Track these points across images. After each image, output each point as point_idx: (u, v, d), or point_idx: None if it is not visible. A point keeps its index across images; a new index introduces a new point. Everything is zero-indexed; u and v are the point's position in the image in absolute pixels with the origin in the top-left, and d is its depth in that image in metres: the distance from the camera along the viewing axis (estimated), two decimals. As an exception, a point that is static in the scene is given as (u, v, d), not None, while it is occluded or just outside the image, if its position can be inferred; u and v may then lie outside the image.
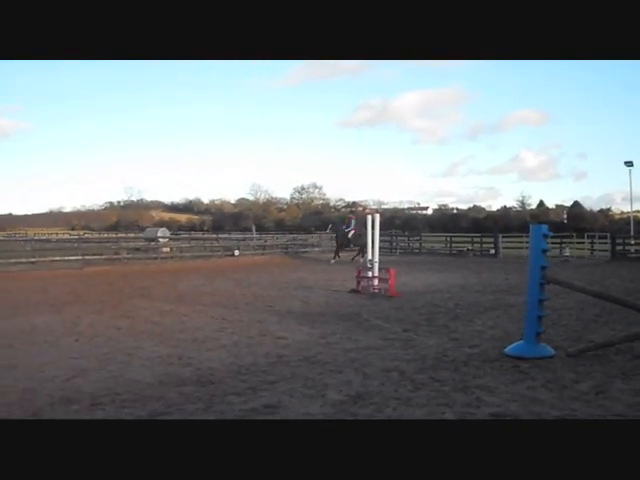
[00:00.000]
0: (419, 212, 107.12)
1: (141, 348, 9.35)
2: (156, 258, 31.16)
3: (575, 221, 74.76)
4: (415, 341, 9.80)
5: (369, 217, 18.70)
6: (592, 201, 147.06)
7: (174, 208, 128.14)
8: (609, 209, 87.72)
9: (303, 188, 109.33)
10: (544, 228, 8.71)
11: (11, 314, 13.09)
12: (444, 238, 45.05)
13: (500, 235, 37.90)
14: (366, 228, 19.23)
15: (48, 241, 39.11)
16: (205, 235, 60.22)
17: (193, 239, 46.37)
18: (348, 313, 13.13)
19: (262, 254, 35.84)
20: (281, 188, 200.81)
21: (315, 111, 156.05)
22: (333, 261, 29.42)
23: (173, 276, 23.30)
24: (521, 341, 8.65)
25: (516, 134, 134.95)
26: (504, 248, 36.58)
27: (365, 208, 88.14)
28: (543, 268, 8.54)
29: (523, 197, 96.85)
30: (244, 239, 42.85)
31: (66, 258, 27.29)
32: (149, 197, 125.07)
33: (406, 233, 54.42)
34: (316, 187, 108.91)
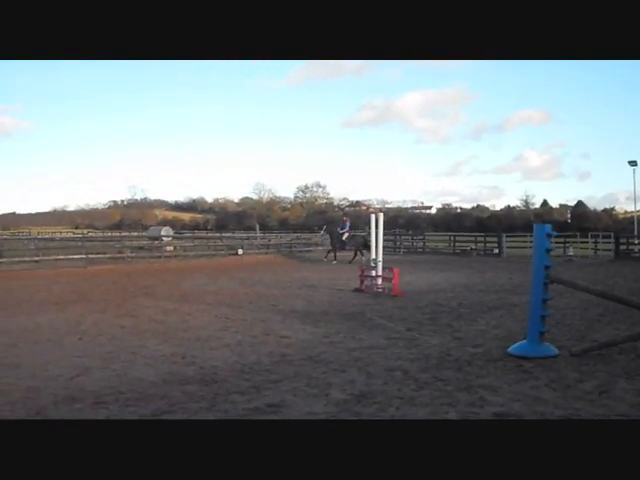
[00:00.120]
0: (423, 211, 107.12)
1: (145, 347, 9.36)
2: (160, 257, 31.20)
3: (579, 220, 74.67)
4: (419, 340, 9.80)
5: (372, 216, 18.69)
6: (596, 200, 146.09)
7: (178, 207, 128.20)
8: (613, 209, 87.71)
9: (307, 187, 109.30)
10: (548, 227, 8.70)
11: (15, 313, 13.13)
12: (448, 237, 45.01)
13: (504, 234, 37.92)
14: (370, 228, 19.25)
15: (52, 240, 39.03)
16: (209, 234, 60.27)
17: (197, 238, 46.40)
18: (352, 312, 13.13)
19: (266, 253, 35.83)
20: (285, 187, 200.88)
21: (318, 111, 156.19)
22: (335, 262, 29.38)
23: (177, 275, 23.34)
24: (525, 341, 8.65)
25: (519, 134, 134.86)
26: (508, 247, 36.55)
27: (369, 207, 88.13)
28: (547, 267, 8.53)
29: (527, 196, 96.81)
30: (248, 238, 42.88)
31: (70, 257, 27.33)
32: (153, 196, 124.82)
33: (410, 232, 54.50)
34: (320, 186, 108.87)
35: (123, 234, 61.53)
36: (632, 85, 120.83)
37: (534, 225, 8.96)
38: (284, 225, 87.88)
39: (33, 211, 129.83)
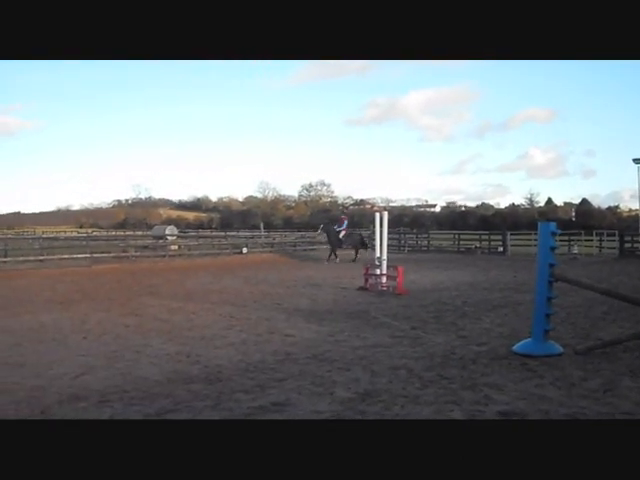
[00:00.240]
0: (427, 210, 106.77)
1: (149, 346, 9.37)
2: (164, 256, 31.22)
3: (583, 218, 74.45)
4: (423, 339, 9.80)
5: (377, 215, 18.67)
6: (600, 198, 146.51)
7: (182, 206, 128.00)
8: (617, 207, 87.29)
9: (311, 186, 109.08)
10: (552, 226, 8.69)
11: (19, 312, 13.14)
12: (452, 236, 44.94)
13: (508, 233, 37.87)
14: (374, 226, 19.25)
15: (56, 239, 39.02)
16: (213, 233, 60.25)
17: (201, 237, 46.30)
18: (356, 311, 13.14)
19: (270, 252, 35.81)
20: (289, 186, 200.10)
21: (322, 109, 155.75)
22: (337, 260, 29.35)
23: (181, 274, 23.35)
24: (529, 339, 8.65)
25: (524, 132, 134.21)
26: (512, 246, 36.51)
27: (373, 206, 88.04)
28: (551, 266, 8.53)
29: (531, 194, 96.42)
30: (252, 237, 42.80)
31: (74, 256, 27.35)
32: (157, 195, 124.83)
33: (414, 231, 54.40)
34: (324, 185, 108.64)
35: (127, 233, 61.65)
36: (636, 83, 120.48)
37: (538, 223, 8.96)
38: (288, 224, 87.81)
39: (37, 210, 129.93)
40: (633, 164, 44.09)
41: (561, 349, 8.46)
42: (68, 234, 59.42)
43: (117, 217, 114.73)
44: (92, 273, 23.79)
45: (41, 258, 26.57)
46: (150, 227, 71.17)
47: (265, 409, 6.06)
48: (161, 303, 14.47)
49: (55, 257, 27.12)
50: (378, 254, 17.81)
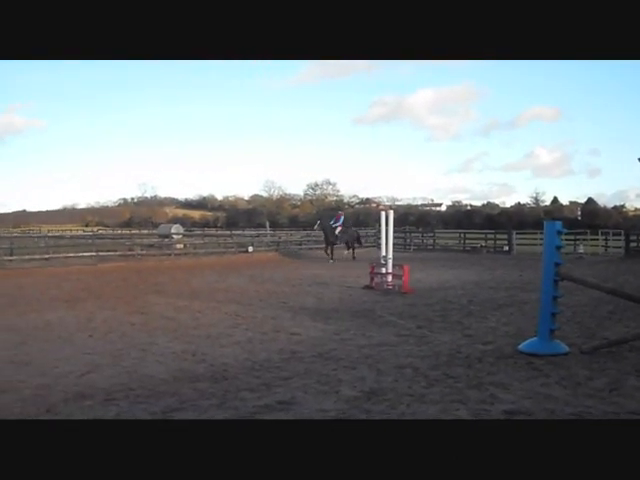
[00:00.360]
0: (433, 208, 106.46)
1: (155, 344, 9.39)
2: (170, 254, 31.22)
3: (589, 218, 74.28)
4: (429, 337, 9.80)
5: (383, 213, 18.65)
6: (606, 198, 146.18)
7: (188, 205, 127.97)
8: (623, 206, 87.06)
9: (317, 184, 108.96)
10: (558, 225, 8.68)
11: (25, 310, 13.17)
12: (458, 234, 44.89)
13: (514, 232, 37.78)
14: (380, 225, 19.25)
15: (62, 237, 39.10)
16: (219, 231, 60.32)
17: (207, 235, 46.31)
18: (362, 309, 13.15)
19: (276, 250, 35.78)
20: (295, 185, 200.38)
21: (328, 108, 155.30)
22: (331, 261, 29.33)
23: (187, 272, 23.35)
24: (535, 338, 8.64)
25: (530, 131, 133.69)
26: (518, 245, 36.43)
27: (379, 204, 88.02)
28: (557, 265, 8.52)
29: (537, 194, 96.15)
30: (258, 235, 42.78)
31: (80, 254, 27.37)
32: (163, 194, 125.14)
33: (420, 229, 54.42)
34: (330, 184, 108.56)
35: (133, 232, 61.58)
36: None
37: (544, 222, 8.96)
38: (294, 222, 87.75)
39: (43, 209, 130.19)
40: (639, 163, 44.04)
41: (567, 348, 8.45)
42: (74, 232, 59.56)
43: (123, 216, 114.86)
44: (98, 271, 23.81)
45: (47, 256, 26.56)
46: (156, 226, 71.17)
47: (271, 408, 6.07)
48: (167, 301, 14.49)
49: (61, 255, 27.13)
50: (384, 253, 17.79)
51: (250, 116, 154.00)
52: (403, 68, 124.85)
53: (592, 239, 36.83)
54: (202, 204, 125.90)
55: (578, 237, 36.29)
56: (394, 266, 17.46)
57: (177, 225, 58.21)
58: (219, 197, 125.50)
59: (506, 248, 36.32)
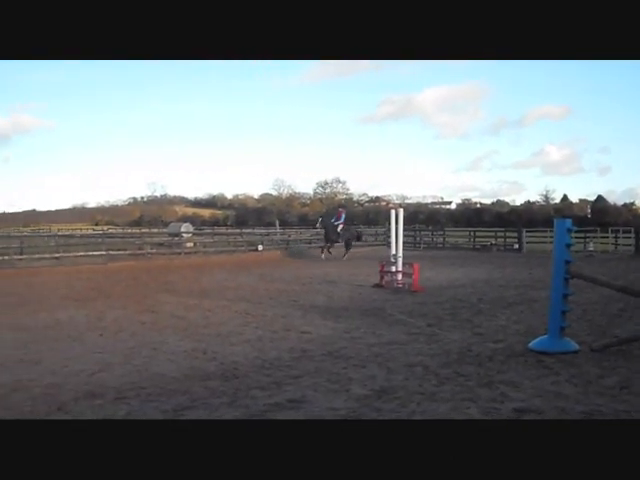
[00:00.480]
0: (442, 207, 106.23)
1: (166, 342, 9.41)
2: (180, 253, 31.31)
3: (599, 215, 73.87)
4: (439, 336, 9.79)
5: (392, 212, 18.64)
6: (616, 195, 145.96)
7: (197, 203, 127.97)
8: (633, 203, 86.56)
9: (326, 183, 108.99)
10: (568, 222, 8.66)
11: (35, 309, 13.23)
12: (468, 233, 44.91)
13: (524, 230, 37.72)
14: (390, 223, 19.22)
15: (72, 237, 39.14)
16: (229, 230, 60.26)
17: (217, 234, 46.24)
18: (372, 308, 13.15)
19: (285, 249, 35.75)
20: (304, 183, 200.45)
21: (337, 107, 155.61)
22: (323, 256, 29.24)
23: (197, 271, 23.39)
24: (545, 336, 8.62)
25: (539, 128, 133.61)
26: (528, 243, 36.37)
27: (389, 203, 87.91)
28: (567, 263, 8.50)
29: (547, 191, 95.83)
30: (268, 234, 42.78)
31: (90, 253, 27.44)
32: (172, 192, 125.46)
33: (430, 228, 54.37)
34: (339, 182, 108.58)
35: (143, 231, 61.71)
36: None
37: (554, 220, 8.93)
38: (304, 221, 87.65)
39: (53, 208, 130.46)
40: (649, 160, 43.79)
41: (577, 346, 8.43)
42: (84, 232, 59.67)
43: (133, 215, 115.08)
44: (108, 270, 23.89)
45: (57, 255, 26.63)
46: (166, 224, 71.25)
47: (281, 406, 6.08)
48: (177, 300, 14.52)
49: (71, 254, 27.20)
50: (394, 251, 17.78)
51: (260, 115, 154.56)
52: (411, 66, 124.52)
53: (602, 237, 36.75)
54: (212, 203, 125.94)
55: (588, 235, 36.17)
56: (404, 264, 17.47)
57: (187, 224, 58.14)
58: (229, 196, 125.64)
59: (516, 246, 36.24)
